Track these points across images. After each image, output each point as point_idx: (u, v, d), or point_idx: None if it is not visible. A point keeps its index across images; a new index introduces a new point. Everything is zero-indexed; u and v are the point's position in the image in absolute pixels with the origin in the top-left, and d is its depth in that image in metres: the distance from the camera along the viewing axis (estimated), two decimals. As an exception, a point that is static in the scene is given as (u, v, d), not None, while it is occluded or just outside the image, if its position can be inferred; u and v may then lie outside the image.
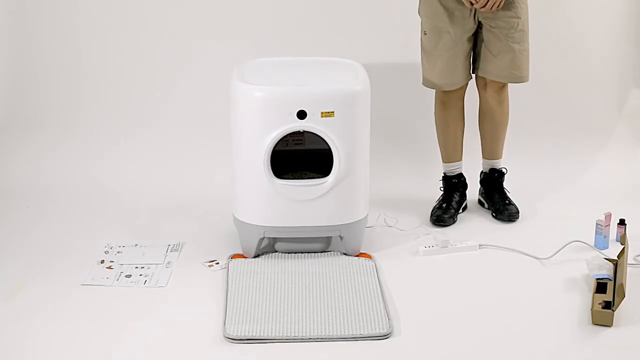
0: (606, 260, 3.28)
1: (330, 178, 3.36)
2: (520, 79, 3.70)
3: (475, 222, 3.84)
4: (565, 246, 3.50)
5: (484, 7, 3.52)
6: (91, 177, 4.20)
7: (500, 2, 3.50)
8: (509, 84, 3.77)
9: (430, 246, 3.55)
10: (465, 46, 3.65)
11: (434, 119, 3.88)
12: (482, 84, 3.77)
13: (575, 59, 4.47)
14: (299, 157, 3.57)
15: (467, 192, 3.93)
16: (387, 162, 4.26)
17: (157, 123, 4.38)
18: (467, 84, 3.77)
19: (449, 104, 3.79)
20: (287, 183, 3.37)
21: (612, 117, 4.52)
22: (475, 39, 3.68)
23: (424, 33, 3.69)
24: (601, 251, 3.50)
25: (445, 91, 3.76)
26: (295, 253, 3.49)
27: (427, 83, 3.76)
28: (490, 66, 3.67)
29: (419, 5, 3.69)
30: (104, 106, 4.39)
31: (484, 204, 3.95)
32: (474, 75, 3.77)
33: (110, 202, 4.01)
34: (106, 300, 3.17)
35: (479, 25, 3.63)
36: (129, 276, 3.34)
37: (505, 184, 3.91)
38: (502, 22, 3.58)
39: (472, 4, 3.53)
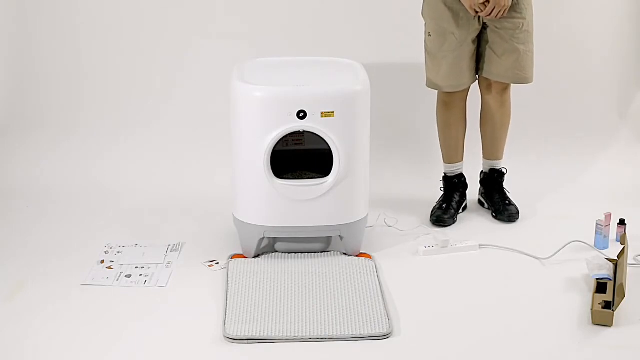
0: (606, 260, 3.28)
1: (330, 178, 3.36)
2: (524, 79, 3.69)
3: (475, 222, 3.84)
4: (565, 246, 3.50)
5: (489, 15, 3.52)
6: (91, 177, 4.20)
7: (505, 10, 3.50)
8: (512, 85, 3.77)
9: (430, 246, 3.55)
10: (470, 47, 3.64)
11: (434, 119, 3.87)
12: (485, 86, 3.76)
13: (575, 59, 4.47)
14: (299, 157, 3.57)
15: (467, 192, 3.93)
16: (387, 162, 4.26)
17: (157, 123, 4.38)
18: (470, 86, 3.76)
19: (451, 105, 3.79)
20: (287, 183, 3.37)
21: (613, 117, 4.52)
22: (479, 40, 3.67)
23: (429, 35, 3.68)
24: (601, 251, 3.50)
25: (448, 93, 3.75)
26: (295, 253, 3.49)
27: (431, 85, 3.75)
28: (495, 67, 3.66)
29: (422, 7, 3.68)
30: (104, 106, 4.39)
31: (484, 204, 3.95)
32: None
33: (110, 202, 4.01)
34: (106, 300, 3.17)
35: (484, 26, 3.63)
36: (129, 276, 3.34)
37: (505, 184, 3.91)
38: (507, 23, 3.58)
39: (476, 12, 3.53)
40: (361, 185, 3.44)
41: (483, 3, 3.50)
